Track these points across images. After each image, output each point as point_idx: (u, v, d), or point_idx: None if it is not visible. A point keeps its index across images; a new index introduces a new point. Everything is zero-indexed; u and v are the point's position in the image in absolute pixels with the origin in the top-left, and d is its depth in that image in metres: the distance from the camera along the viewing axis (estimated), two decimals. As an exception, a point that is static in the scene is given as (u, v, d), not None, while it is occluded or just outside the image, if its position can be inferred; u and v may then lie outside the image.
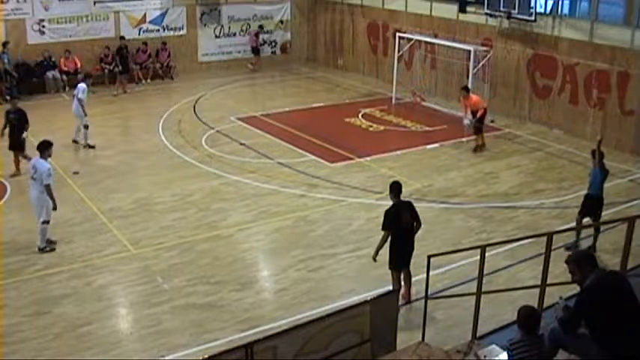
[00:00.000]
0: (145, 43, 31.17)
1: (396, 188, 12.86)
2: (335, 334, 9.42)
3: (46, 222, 15.15)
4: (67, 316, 12.73)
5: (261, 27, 34.90)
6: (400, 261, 12.86)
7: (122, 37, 30.63)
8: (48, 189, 14.91)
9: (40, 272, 14.35)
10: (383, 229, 12.67)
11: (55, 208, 15.11)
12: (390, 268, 12.93)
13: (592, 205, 14.99)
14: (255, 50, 34.63)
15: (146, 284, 13.70)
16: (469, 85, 23.37)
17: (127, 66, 30.39)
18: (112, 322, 12.76)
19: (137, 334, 12.36)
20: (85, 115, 22.15)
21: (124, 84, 30.10)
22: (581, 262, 7.79)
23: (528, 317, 7.75)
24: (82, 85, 22.45)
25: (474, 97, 22.18)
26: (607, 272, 7.86)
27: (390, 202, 12.95)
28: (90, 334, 12.24)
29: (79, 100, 22.03)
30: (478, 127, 21.88)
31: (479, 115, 21.77)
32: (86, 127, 22.23)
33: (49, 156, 15.42)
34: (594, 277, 7.63)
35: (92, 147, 22.22)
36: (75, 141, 22.47)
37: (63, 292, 13.54)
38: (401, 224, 12.64)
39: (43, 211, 15.06)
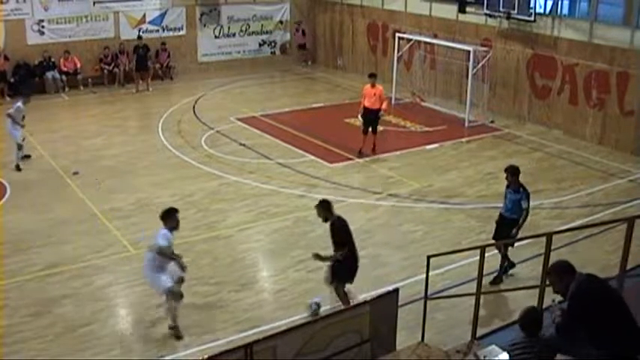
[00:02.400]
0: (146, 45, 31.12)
1: (329, 205, 12.25)
2: (334, 334, 9.43)
3: (171, 297, 12.07)
4: (67, 317, 12.74)
5: (299, 22, 36.04)
6: (352, 275, 12.42)
7: (140, 37, 30.65)
8: (163, 251, 11.96)
9: (40, 273, 14.35)
10: (343, 244, 12.01)
11: (183, 269, 12.17)
12: (336, 284, 12.38)
13: (506, 227, 13.69)
14: (303, 46, 35.81)
15: (146, 284, 13.67)
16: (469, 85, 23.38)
17: (146, 65, 30.41)
18: (112, 323, 12.77)
19: (137, 334, 12.38)
20: (21, 126, 20.41)
21: (147, 81, 30.24)
22: (562, 271, 7.75)
23: (529, 319, 7.75)
24: (16, 104, 20.80)
25: (380, 87, 21.73)
26: (587, 276, 7.82)
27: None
28: (90, 334, 12.25)
29: (8, 115, 20.22)
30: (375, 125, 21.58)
31: (384, 107, 21.52)
32: (19, 147, 20.39)
33: (175, 228, 12.22)
34: (578, 283, 7.60)
35: (19, 170, 20.25)
36: (26, 155, 21.01)
37: (63, 293, 13.56)
38: (352, 236, 12.26)
39: (159, 284, 12.08)
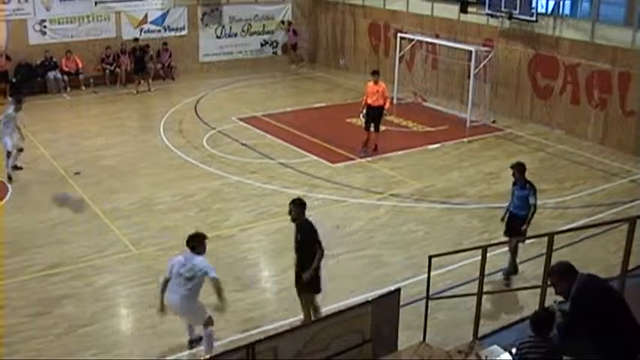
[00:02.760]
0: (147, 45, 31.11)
1: (304, 205, 12.00)
2: (336, 334, 9.42)
3: (210, 322, 11.48)
4: (68, 317, 12.74)
5: (290, 22, 35.61)
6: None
7: (136, 39, 30.58)
8: (217, 283, 11.15)
9: (41, 273, 14.34)
10: (314, 243, 11.67)
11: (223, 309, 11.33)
12: (315, 293, 12.00)
13: (516, 224, 13.79)
14: (295, 47, 35.32)
15: (147, 284, 13.66)
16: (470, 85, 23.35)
17: (144, 66, 30.29)
18: (114, 323, 12.79)
19: (138, 334, 12.37)
20: (18, 130, 19.73)
21: (147, 82, 30.16)
22: (563, 272, 7.73)
23: (540, 318, 7.74)
24: (6, 111, 19.69)
25: (383, 84, 21.80)
26: (589, 276, 7.79)
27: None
28: (91, 334, 12.25)
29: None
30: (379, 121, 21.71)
31: (387, 106, 21.69)
32: (8, 154, 19.42)
33: (204, 253, 11.59)
34: (579, 284, 7.57)
35: (10, 180, 19.31)
36: (17, 167, 19.91)
37: (64, 293, 13.55)
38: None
39: (199, 314, 11.45)
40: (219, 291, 11.04)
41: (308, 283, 11.71)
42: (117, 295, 13.73)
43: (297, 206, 11.92)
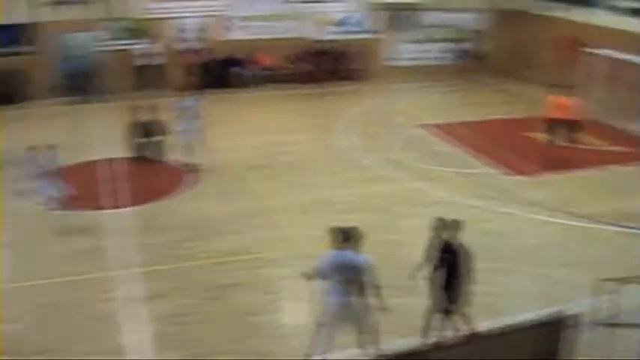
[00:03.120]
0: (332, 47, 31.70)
1: (459, 224, 11.72)
2: (505, 352, 9.37)
3: (372, 330, 11.20)
4: (236, 305, 13.28)
5: (478, 32, 35.41)
6: None
7: (326, 40, 31.42)
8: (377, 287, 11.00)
9: (212, 260, 15.05)
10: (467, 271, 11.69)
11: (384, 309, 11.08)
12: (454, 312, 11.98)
13: None
14: (481, 56, 34.86)
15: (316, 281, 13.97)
16: None
17: (332, 67, 31.16)
18: (280, 316, 13.18)
19: (306, 328, 12.67)
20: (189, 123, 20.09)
21: (333, 82, 30.99)
22: None
23: None
24: (184, 102, 20.42)
25: (566, 98, 21.46)
26: None
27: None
28: (258, 324, 12.69)
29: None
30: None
31: (573, 118, 21.48)
32: (189, 146, 20.14)
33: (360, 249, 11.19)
34: None
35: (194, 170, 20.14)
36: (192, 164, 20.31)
37: (234, 281, 14.14)
38: None
39: (363, 318, 11.14)
40: (378, 295, 10.97)
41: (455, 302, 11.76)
42: (285, 289, 14.10)
43: (453, 226, 11.77)
